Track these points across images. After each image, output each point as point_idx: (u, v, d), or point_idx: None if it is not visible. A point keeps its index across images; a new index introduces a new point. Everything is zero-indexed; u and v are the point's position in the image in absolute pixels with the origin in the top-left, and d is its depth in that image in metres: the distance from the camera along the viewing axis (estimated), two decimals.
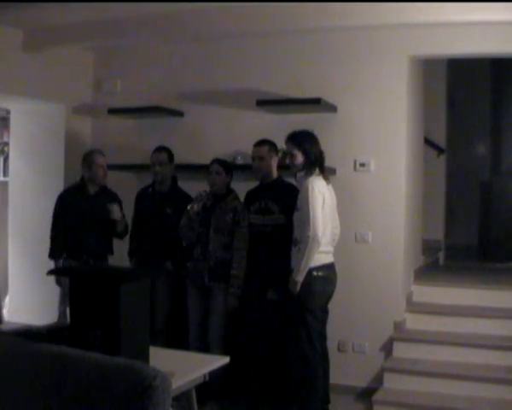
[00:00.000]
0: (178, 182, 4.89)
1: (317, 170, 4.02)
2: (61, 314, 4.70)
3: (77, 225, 4.70)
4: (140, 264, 4.76)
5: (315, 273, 3.94)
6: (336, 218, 4.18)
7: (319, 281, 3.96)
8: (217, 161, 4.52)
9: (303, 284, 3.91)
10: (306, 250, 3.86)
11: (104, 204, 4.71)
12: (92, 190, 4.80)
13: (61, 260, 4.73)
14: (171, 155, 4.78)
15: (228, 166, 4.54)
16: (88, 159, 4.78)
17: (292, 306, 4.01)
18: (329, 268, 4.05)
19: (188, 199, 4.65)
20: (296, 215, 4.00)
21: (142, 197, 4.89)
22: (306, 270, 3.90)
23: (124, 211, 4.84)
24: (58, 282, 4.73)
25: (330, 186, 4.11)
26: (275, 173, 4.46)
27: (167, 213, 4.69)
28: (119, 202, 4.88)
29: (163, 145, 4.82)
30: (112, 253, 4.91)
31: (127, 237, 4.91)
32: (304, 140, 4.05)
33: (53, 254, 4.75)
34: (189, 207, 4.36)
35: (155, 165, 4.73)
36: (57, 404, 2.10)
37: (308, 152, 4.01)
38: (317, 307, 4.02)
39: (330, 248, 4.09)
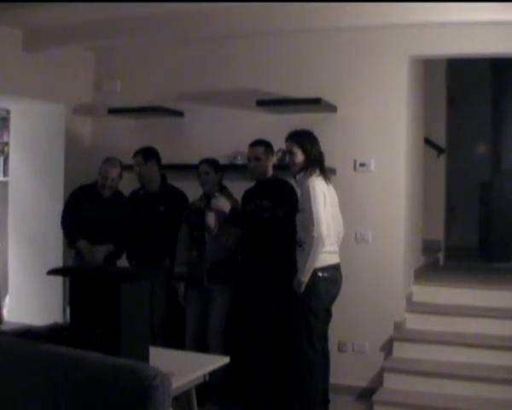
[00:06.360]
0: (179, 182, 4.89)
1: (318, 171, 4.01)
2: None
3: (88, 225, 4.69)
4: (140, 266, 4.74)
5: (320, 274, 3.92)
6: (339, 217, 4.18)
7: (324, 282, 3.94)
8: (205, 161, 4.51)
9: (307, 285, 3.90)
10: (311, 250, 3.84)
11: (116, 208, 4.75)
12: (105, 193, 4.81)
13: (72, 259, 4.71)
14: (146, 156, 4.77)
15: (216, 165, 4.53)
16: (103, 167, 4.78)
17: (294, 305, 4.00)
18: (335, 269, 4.03)
19: (180, 194, 4.74)
20: (299, 217, 3.98)
21: (134, 200, 4.88)
22: (312, 270, 3.88)
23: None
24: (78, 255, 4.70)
25: (331, 186, 4.10)
26: (270, 173, 4.45)
27: (161, 212, 4.70)
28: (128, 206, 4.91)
29: (140, 147, 4.82)
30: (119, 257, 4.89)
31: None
32: (304, 139, 4.05)
33: (74, 238, 4.68)
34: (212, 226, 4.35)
35: (135, 168, 4.78)
36: (57, 404, 2.10)
37: (308, 151, 4.01)
38: (319, 308, 4.01)
39: (335, 248, 4.07)
